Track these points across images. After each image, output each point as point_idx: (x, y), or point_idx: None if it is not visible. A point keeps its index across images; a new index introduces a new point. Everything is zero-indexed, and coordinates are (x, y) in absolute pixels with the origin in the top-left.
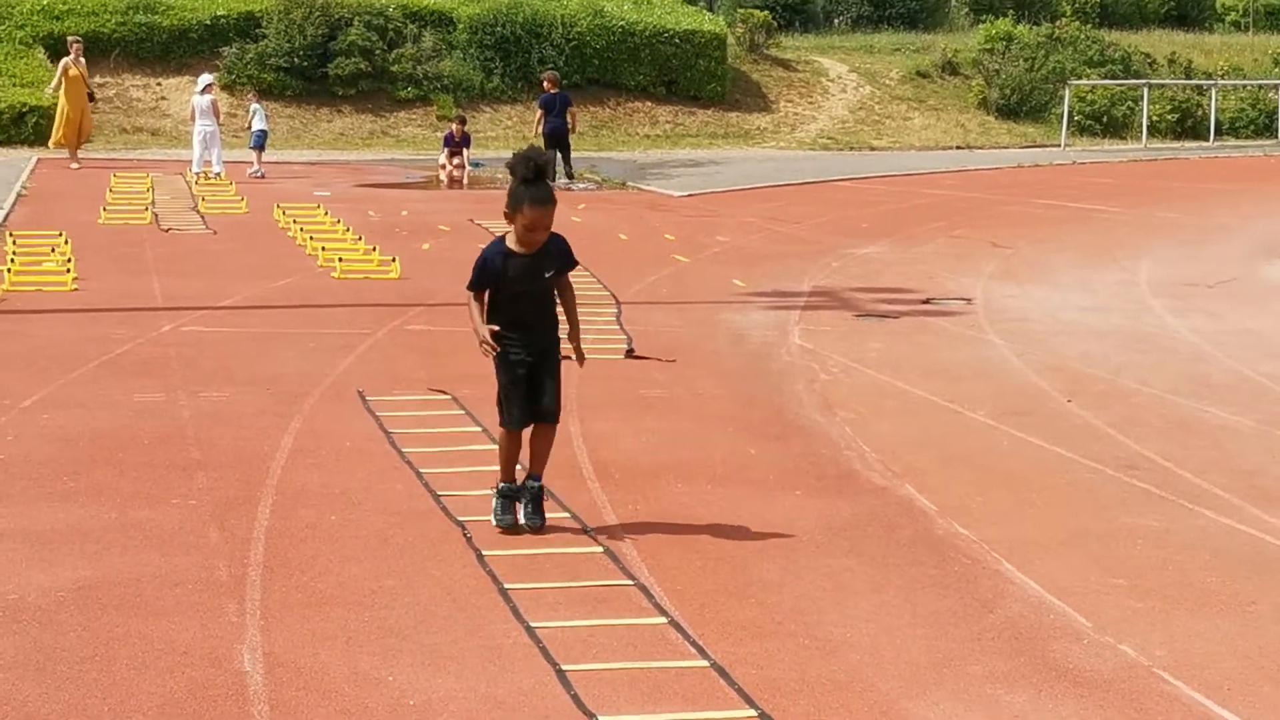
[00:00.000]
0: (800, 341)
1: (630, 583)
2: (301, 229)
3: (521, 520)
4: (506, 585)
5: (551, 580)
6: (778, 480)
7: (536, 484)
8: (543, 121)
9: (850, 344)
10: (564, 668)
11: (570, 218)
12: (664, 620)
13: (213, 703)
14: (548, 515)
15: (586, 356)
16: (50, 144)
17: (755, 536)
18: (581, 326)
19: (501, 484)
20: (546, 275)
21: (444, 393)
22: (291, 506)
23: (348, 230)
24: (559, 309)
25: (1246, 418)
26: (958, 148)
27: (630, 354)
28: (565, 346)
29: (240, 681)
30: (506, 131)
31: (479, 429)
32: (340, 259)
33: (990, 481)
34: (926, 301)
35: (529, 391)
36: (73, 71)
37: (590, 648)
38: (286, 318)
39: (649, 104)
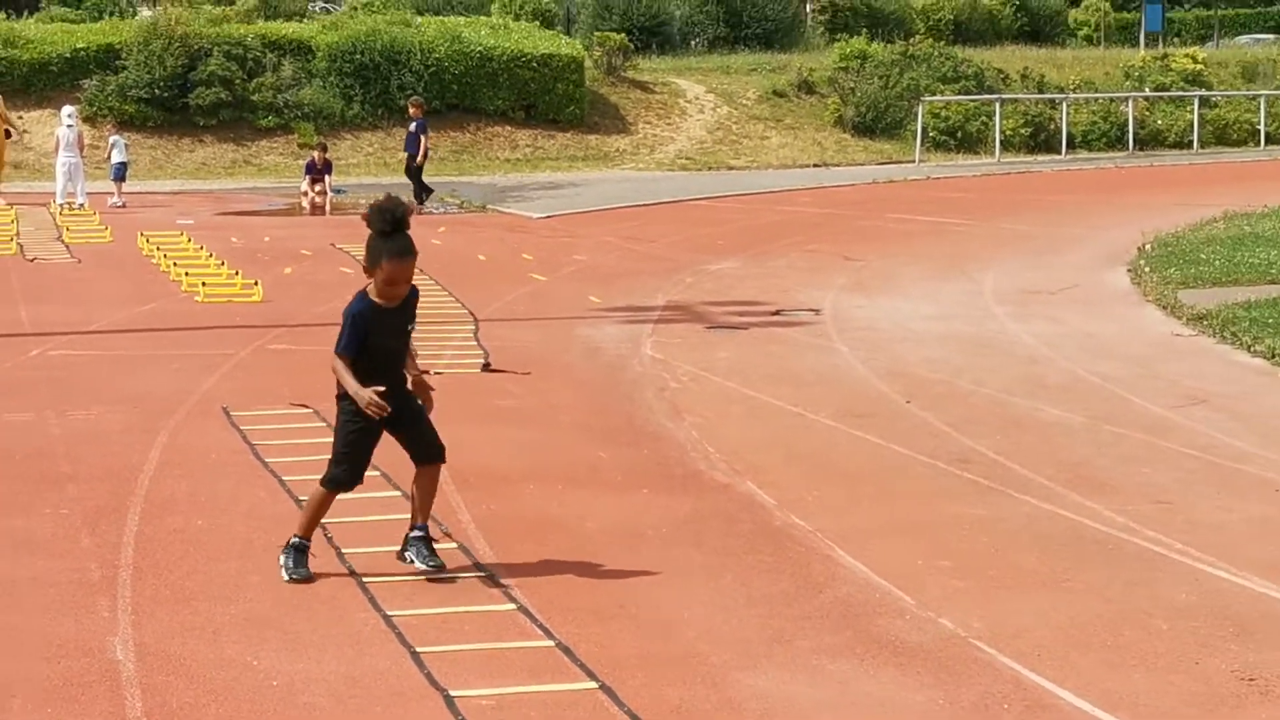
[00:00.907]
0: (652, 353)
1: (481, 574)
2: (165, 255)
3: (420, 566)
4: (365, 578)
5: (407, 574)
6: (626, 481)
7: (423, 532)
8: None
9: (700, 354)
10: (418, 649)
11: (430, 240)
12: (513, 607)
13: (87, 688)
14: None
15: (438, 374)
16: None
17: (603, 531)
18: (440, 342)
19: (297, 538)
20: (409, 328)
21: (305, 406)
22: (160, 514)
23: (211, 256)
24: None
25: (1077, 414)
26: (815, 165)
27: (487, 368)
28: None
29: (113, 670)
30: (368, 159)
31: None
32: (204, 283)
33: (828, 477)
34: (776, 313)
35: (406, 438)
36: None
37: (444, 632)
38: (152, 341)
39: (508, 128)
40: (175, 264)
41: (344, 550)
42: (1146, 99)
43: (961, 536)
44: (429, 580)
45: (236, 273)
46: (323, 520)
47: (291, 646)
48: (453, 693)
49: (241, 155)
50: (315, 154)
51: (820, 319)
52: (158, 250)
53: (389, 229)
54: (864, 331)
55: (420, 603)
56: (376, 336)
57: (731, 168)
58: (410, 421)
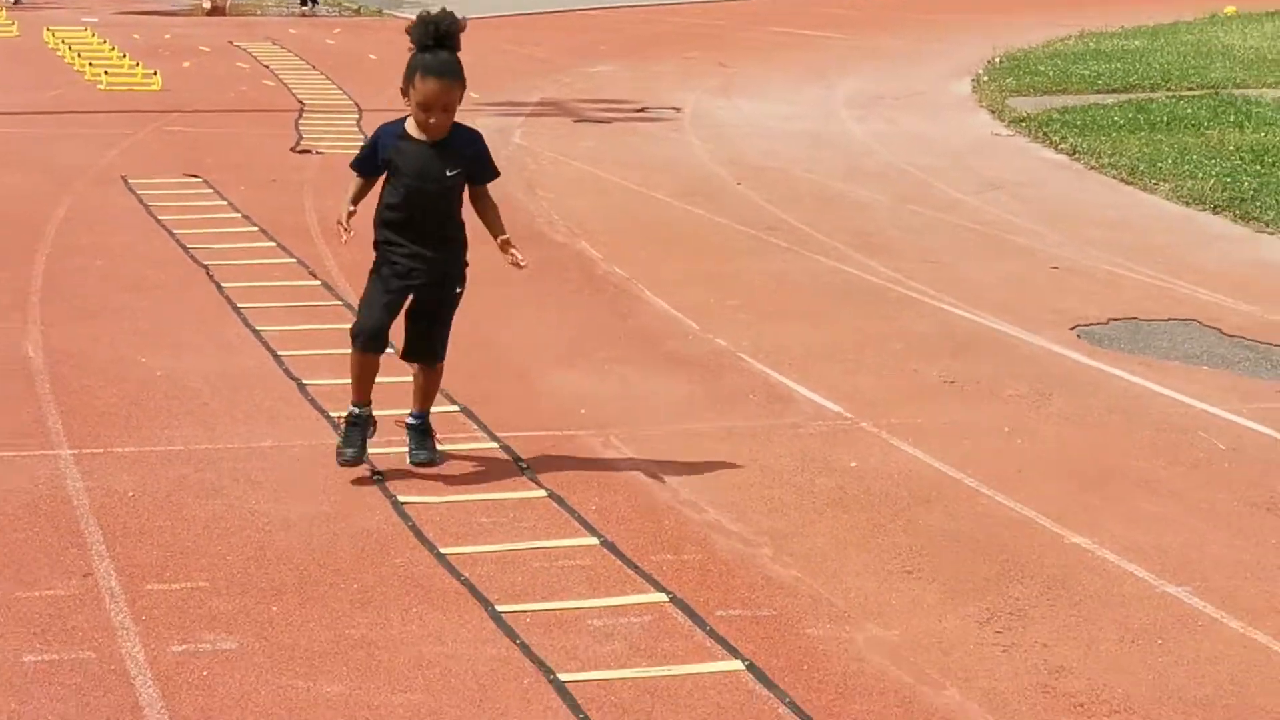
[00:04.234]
0: (520, 141)
1: (338, 303)
2: (70, 48)
3: (409, 461)
4: (240, 305)
5: (279, 301)
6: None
7: (419, 420)
8: None
9: (564, 143)
10: (279, 353)
11: (325, 40)
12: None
13: (4, 377)
14: None
15: (320, 154)
16: None
17: None
18: (324, 127)
19: (352, 406)
20: (449, 174)
21: (196, 176)
22: (65, 256)
23: (114, 49)
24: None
25: (885, 196)
26: None
27: None
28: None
29: (26, 364)
30: None
31: (225, 202)
32: (106, 73)
33: (652, 240)
34: (641, 110)
35: (411, 328)
36: None
37: (301, 342)
38: (57, 121)
39: None
40: (79, 55)
41: (224, 284)
42: None
43: (753, 284)
44: (296, 308)
45: (137, 64)
46: (207, 263)
47: (176, 350)
48: (305, 381)
49: None
50: None
51: (680, 116)
52: (63, 44)
53: (430, 43)
54: (717, 128)
55: (284, 321)
56: (409, 176)
57: None
58: (428, 318)
